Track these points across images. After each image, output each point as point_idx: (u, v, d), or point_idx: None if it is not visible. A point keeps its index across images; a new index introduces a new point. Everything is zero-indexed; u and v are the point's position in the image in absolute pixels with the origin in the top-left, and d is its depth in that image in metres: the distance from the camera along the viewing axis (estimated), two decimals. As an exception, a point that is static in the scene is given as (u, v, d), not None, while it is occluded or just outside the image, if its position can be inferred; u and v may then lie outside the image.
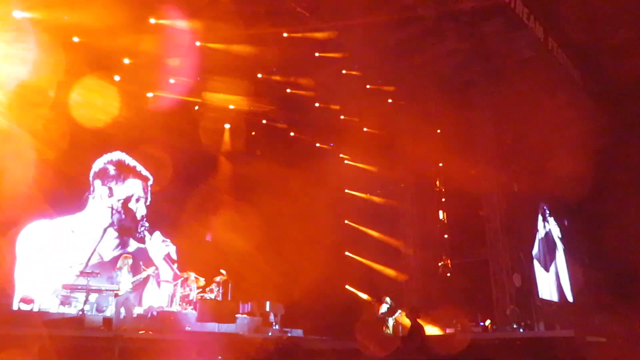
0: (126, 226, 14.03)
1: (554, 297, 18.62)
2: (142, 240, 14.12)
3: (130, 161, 14.51)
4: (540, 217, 19.78)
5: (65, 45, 11.85)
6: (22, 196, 11.11)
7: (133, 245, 13.97)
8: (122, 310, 10.38)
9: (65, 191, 12.63)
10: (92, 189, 13.63)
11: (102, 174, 13.96)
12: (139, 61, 13.21)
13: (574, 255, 20.32)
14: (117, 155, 14.31)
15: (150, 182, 14.73)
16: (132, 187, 14.40)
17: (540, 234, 19.46)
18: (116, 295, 10.41)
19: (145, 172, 14.67)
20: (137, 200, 14.51)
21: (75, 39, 12.09)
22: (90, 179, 13.70)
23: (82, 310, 10.33)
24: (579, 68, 17.48)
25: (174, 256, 14.39)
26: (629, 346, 8.88)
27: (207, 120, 15.21)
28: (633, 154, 16.63)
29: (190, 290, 12.35)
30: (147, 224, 14.37)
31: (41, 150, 11.38)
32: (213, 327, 11.37)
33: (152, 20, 12.51)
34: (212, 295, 12.49)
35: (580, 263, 19.68)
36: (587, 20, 14.11)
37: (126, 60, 13.18)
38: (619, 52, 14.75)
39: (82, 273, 10.94)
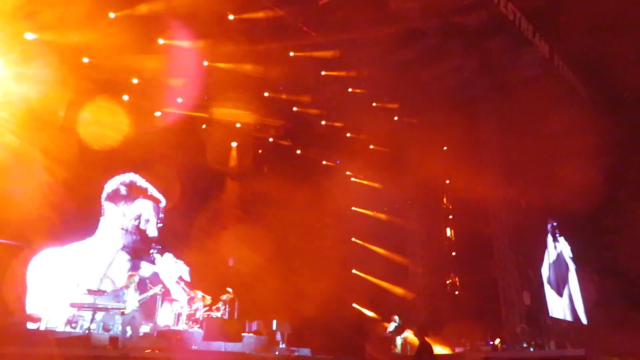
0: (137, 248, 13.91)
1: (568, 318, 18.34)
2: (153, 262, 14.00)
3: (142, 182, 14.49)
4: (550, 238, 19.60)
5: (75, 65, 12.02)
6: (35, 218, 11.17)
7: (145, 268, 13.83)
8: (129, 329, 10.32)
9: (77, 214, 12.54)
10: (103, 210, 13.59)
11: (114, 195, 13.91)
12: (147, 81, 13.37)
13: (585, 273, 20.07)
14: (130, 176, 14.30)
15: (162, 205, 14.67)
16: (142, 207, 14.37)
17: (552, 255, 19.25)
18: (122, 313, 10.37)
19: (156, 195, 14.65)
20: (147, 221, 14.44)
21: (85, 60, 12.25)
22: (102, 200, 13.66)
23: (89, 328, 10.30)
24: (586, 82, 17.51)
25: (187, 278, 14.27)
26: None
27: (214, 138, 15.31)
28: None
29: (197, 309, 12.29)
30: (158, 247, 14.20)
31: (53, 172, 11.43)
32: (219, 346, 11.26)
33: (161, 41, 12.70)
34: (219, 314, 12.40)
35: (592, 280, 19.41)
36: (593, 34, 14.17)
37: (134, 80, 13.33)
38: (627, 63, 14.75)
39: (89, 291, 10.91)
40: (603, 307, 18.05)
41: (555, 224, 19.92)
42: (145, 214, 14.41)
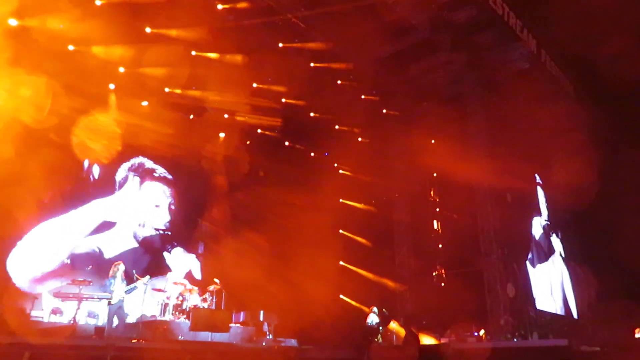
0: (149, 241, 13.66)
1: (553, 309, 18.63)
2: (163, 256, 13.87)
3: (150, 165, 14.17)
4: (540, 233, 19.87)
5: (61, 53, 11.85)
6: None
7: (159, 263, 13.61)
8: (115, 319, 10.27)
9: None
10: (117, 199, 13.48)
11: (124, 184, 13.74)
12: (134, 70, 13.22)
13: (578, 270, 20.43)
14: (137, 160, 14.04)
15: (172, 188, 14.41)
16: (151, 192, 14.03)
17: (542, 245, 19.52)
18: (109, 303, 10.31)
19: (166, 175, 14.38)
20: (158, 206, 14.08)
21: (70, 47, 12.07)
22: (116, 188, 13.55)
23: (74, 318, 10.24)
24: (573, 78, 17.71)
25: (198, 274, 14.16)
26: (623, 354, 8.92)
27: (202, 129, 15.22)
28: (630, 163, 16.70)
29: (184, 299, 12.25)
30: (174, 243, 14.05)
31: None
32: (206, 336, 11.26)
33: (148, 30, 12.57)
34: (206, 305, 12.39)
35: (585, 277, 19.72)
36: (580, 31, 14.31)
37: (121, 69, 13.18)
38: (614, 60, 14.93)
39: (74, 281, 10.84)
40: (594, 303, 18.35)
41: (547, 222, 20.17)
42: (155, 198, 14.08)
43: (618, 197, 17.63)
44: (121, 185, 13.72)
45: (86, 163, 13.24)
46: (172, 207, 14.32)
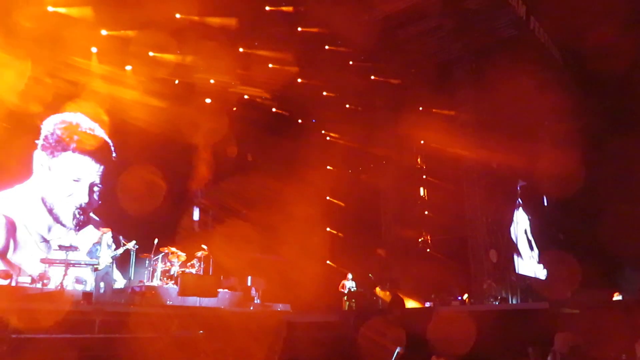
0: (58, 213, 12.21)
1: (534, 274, 19.05)
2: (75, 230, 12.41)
3: (89, 125, 12.60)
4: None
5: (37, 14, 11.43)
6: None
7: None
8: (102, 284, 10.30)
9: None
10: (32, 158, 12.06)
11: (47, 139, 12.18)
12: (117, 33, 12.84)
13: (548, 233, 20.75)
14: (76, 117, 12.51)
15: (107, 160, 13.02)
16: (82, 164, 12.62)
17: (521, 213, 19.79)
18: (96, 269, 10.32)
19: (108, 147, 13.11)
20: (77, 181, 12.46)
21: (50, 9, 11.65)
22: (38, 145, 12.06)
23: (61, 284, 10.24)
24: (561, 48, 17.61)
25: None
26: (602, 316, 9.21)
27: (186, 95, 14.94)
28: (614, 134, 16.80)
29: (172, 265, 12.30)
30: (81, 217, 12.43)
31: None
32: (194, 301, 11.38)
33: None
34: (193, 270, 12.47)
35: (554, 241, 20.07)
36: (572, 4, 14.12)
37: (104, 32, 12.80)
38: (604, 27, 14.80)
39: (61, 247, 10.79)
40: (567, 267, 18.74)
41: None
42: (75, 171, 12.54)
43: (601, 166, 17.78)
44: (47, 139, 12.27)
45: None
46: (96, 188, 12.85)
